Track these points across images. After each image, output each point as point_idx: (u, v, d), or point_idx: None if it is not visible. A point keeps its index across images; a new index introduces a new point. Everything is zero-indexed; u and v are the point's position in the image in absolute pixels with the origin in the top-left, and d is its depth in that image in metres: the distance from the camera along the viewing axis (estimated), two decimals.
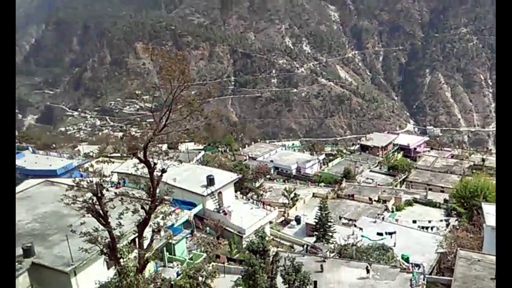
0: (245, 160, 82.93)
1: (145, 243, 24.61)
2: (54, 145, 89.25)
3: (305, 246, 44.21)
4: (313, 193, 65.10)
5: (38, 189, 40.42)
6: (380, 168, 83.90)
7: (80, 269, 27.79)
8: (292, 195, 60.75)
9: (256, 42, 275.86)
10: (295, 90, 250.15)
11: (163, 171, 23.40)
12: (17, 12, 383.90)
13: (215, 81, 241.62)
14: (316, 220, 47.25)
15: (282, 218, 56.03)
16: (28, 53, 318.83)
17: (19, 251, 28.11)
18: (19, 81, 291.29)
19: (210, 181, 45.35)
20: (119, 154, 75.54)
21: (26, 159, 60.57)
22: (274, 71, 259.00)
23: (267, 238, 33.93)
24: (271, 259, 28.85)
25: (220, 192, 46.35)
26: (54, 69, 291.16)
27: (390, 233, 44.52)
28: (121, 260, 23.47)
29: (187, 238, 40.14)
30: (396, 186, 73.62)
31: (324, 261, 33.83)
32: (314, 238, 47.00)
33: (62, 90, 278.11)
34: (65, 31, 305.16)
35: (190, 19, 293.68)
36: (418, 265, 36.20)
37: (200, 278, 31.19)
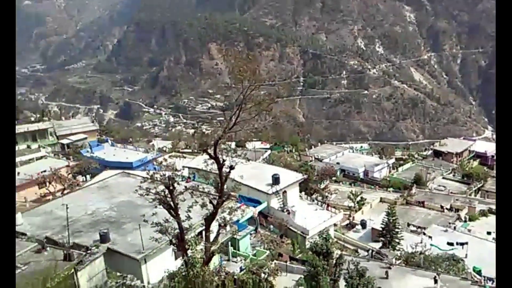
0: (311, 161, 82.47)
1: (211, 237, 25.47)
2: (131, 139, 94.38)
3: (370, 251, 43.27)
4: (381, 198, 63.38)
5: (115, 180, 43.10)
6: (453, 176, 79.96)
7: (150, 257, 29.39)
8: (358, 198, 59.61)
9: (327, 43, 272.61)
10: (365, 91, 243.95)
11: (231, 168, 24.05)
12: (102, 14, 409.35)
13: (284, 81, 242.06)
14: (383, 226, 46.05)
15: (347, 222, 55.17)
16: (111, 53, 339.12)
17: (96, 236, 30.36)
18: (102, 78, 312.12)
19: (276, 180, 45.76)
20: (190, 150, 78.38)
21: (105, 151, 64.62)
22: (344, 72, 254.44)
23: (331, 240, 33.69)
24: (334, 261, 28.64)
25: (285, 191, 46.62)
26: (133, 68, 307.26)
27: (462, 244, 42.37)
28: (189, 251, 24.47)
29: (251, 234, 40.86)
30: (470, 195, 69.68)
31: (389, 267, 32.99)
32: (379, 244, 45.86)
33: (140, 88, 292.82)
34: (144, 32, 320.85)
35: (263, 20, 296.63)
36: (491, 279, 34.15)
37: (262, 275, 31.60)
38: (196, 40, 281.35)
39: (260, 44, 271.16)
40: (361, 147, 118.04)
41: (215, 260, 31.63)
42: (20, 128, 78.41)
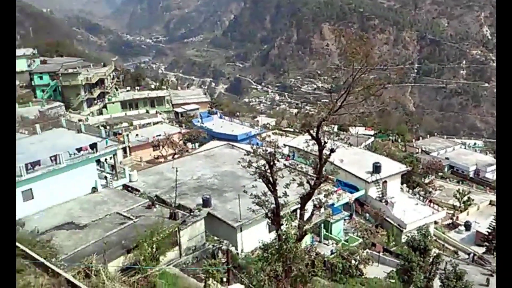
0: (417, 153, 78.31)
1: (305, 216, 25.88)
2: (237, 113, 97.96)
3: (471, 255, 40.48)
4: (490, 201, 58.32)
5: (220, 150, 45.46)
6: None
7: (245, 227, 30.84)
8: (465, 198, 55.59)
9: (449, 29, 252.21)
10: (486, 84, 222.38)
11: (332, 150, 23.99)
12: None
13: (397, 66, 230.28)
14: (490, 230, 42.65)
15: (450, 221, 51.94)
16: (227, 28, 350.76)
17: (199, 200, 32.57)
18: (217, 52, 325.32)
19: (376, 168, 44.58)
20: (292, 129, 79.20)
21: (214, 123, 67.95)
22: (464, 62, 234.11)
23: (429, 238, 32.22)
24: (431, 259, 27.46)
25: (385, 181, 45.27)
26: (246, 44, 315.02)
27: None
28: (282, 226, 25.19)
29: (345, 220, 40.61)
30: None
31: (491, 275, 30.70)
32: (483, 249, 42.63)
33: (250, 65, 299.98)
34: (260, 10, 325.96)
35: (380, 2, 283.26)
36: None
37: (353, 261, 31.47)
38: (309, 20, 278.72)
39: (375, 26, 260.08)
40: (475, 144, 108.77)
41: (307, 240, 32.12)
42: (142, 94, 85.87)
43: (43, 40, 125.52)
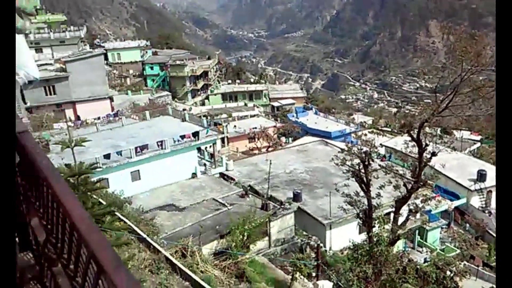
0: None
1: (399, 220, 25.07)
2: (333, 110, 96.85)
3: None
4: None
5: (314, 146, 45.53)
6: None
7: (335, 225, 30.68)
8: None
9: None
10: None
11: (433, 154, 22.91)
12: None
13: None
14: None
15: None
16: (328, 24, 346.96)
17: (290, 194, 33.05)
18: (316, 48, 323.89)
19: (481, 176, 41.43)
20: (389, 129, 76.42)
21: (308, 118, 68.04)
22: None
23: None
24: None
25: (490, 191, 41.88)
26: (346, 41, 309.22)
27: None
28: (374, 229, 24.68)
29: (442, 228, 38.46)
30: None
31: None
32: None
33: (349, 61, 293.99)
34: (363, 4, 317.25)
35: None
36: None
37: (448, 273, 29.76)
38: (415, 16, 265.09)
39: (488, 24, 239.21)
40: None
41: (399, 245, 31.07)
42: (241, 87, 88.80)
43: (156, 33, 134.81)
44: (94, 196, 14.76)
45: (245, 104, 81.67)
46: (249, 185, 33.83)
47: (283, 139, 64.29)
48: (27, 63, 2.89)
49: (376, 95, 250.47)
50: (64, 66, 52.17)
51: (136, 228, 21.18)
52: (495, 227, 39.53)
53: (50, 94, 51.35)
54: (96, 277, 1.56)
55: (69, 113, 51.14)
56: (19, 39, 2.71)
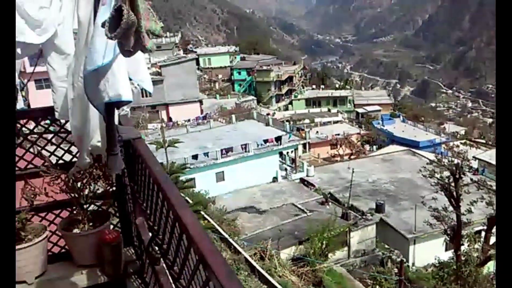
0: None
1: (491, 240, 23.37)
2: (422, 118, 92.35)
3: None
4: None
5: (400, 156, 43.90)
6: None
7: (420, 240, 29.28)
8: None
9: None
10: None
11: None
12: None
13: None
14: None
15: None
16: (419, 28, 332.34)
17: (372, 204, 32.16)
18: (405, 53, 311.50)
19: None
20: (483, 141, 71.23)
21: (395, 126, 65.56)
22: None
23: None
24: None
25: None
26: (439, 45, 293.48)
27: None
28: (462, 247, 23.25)
29: None
30: None
31: None
32: None
33: (441, 67, 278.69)
34: (458, 8, 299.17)
35: None
36: None
37: None
38: None
39: None
40: None
41: (490, 266, 28.92)
42: (326, 93, 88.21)
43: (245, 38, 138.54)
44: (182, 195, 15.65)
45: (329, 110, 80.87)
46: (330, 193, 33.51)
47: (367, 147, 62.67)
48: (144, 78, 3.29)
49: (470, 104, 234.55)
50: (159, 70, 55.66)
51: (218, 228, 22.00)
52: None
53: (146, 96, 55.04)
54: (205, 282, 1.73)
55: (162, 114, 54.51)
56: (141, 56, 3.07)
